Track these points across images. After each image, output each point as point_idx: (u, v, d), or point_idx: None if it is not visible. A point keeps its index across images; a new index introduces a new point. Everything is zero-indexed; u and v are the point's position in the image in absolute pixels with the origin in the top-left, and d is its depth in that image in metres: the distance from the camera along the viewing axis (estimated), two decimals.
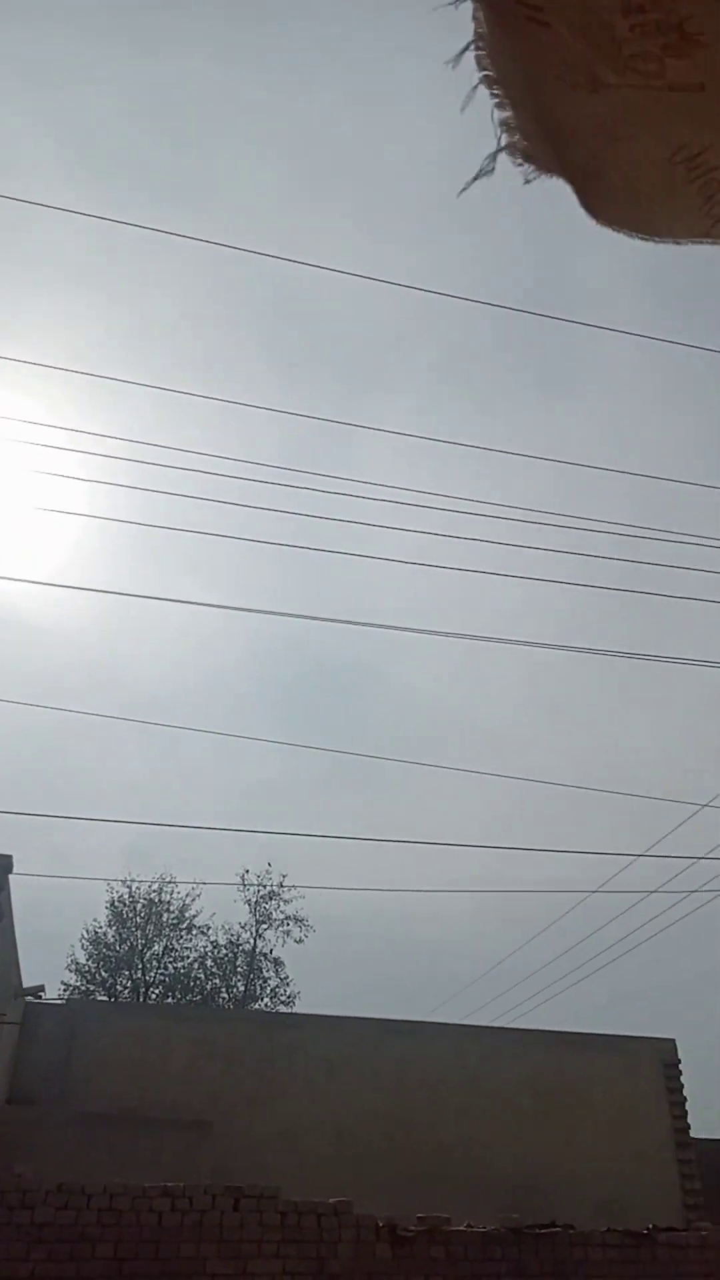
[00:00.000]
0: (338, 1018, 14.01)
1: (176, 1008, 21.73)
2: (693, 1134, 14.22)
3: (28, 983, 11.79)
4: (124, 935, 26.43)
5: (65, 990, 24.41)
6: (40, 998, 12.49)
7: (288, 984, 27.21)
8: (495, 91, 1.53)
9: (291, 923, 27.56)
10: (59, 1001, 15.28)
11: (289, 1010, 24.89)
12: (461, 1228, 7.93)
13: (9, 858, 8.45)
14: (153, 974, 26.34)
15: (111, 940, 26.28)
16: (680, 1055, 14.82)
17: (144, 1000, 25.18)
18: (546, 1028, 15.73)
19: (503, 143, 1.58)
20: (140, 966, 26.25)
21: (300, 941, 27.50)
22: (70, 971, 25.59)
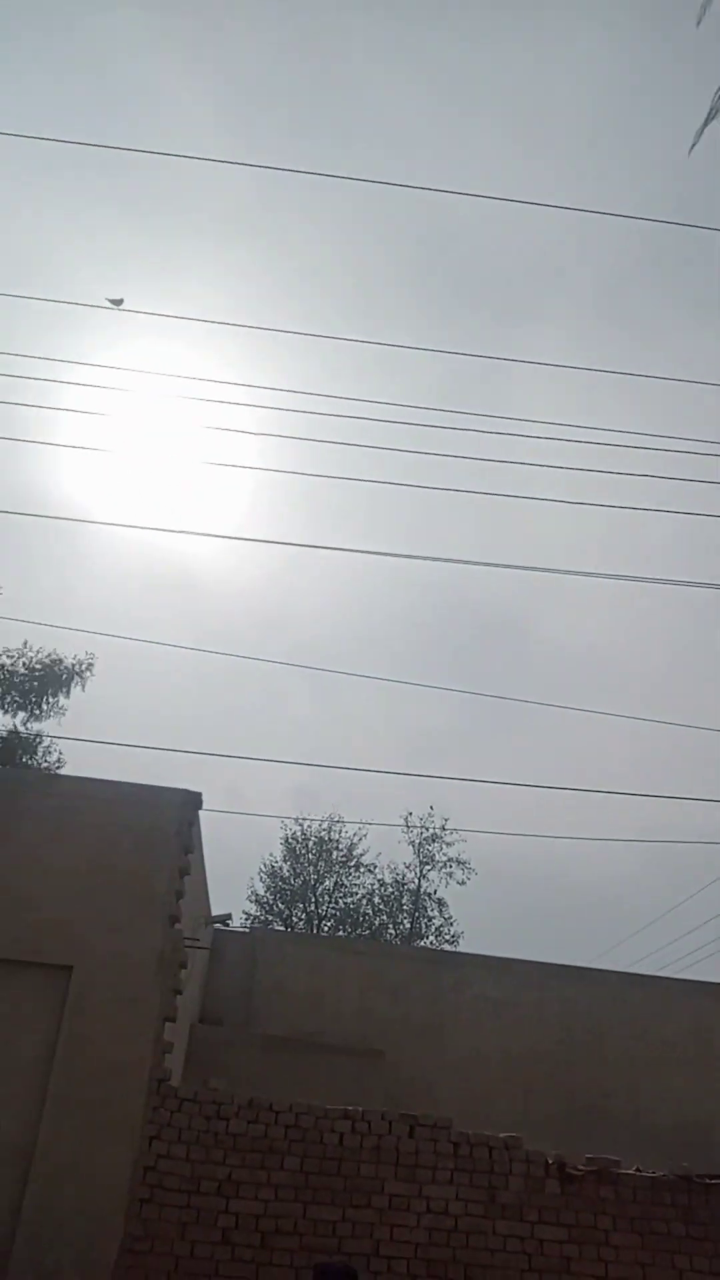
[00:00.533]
0: (504, 959, 14.27)
1: (349, 941, 22.75)
2: None
3: (215, 912, 12.71)
4: (298, 870, 27.84)
5: (247, 919, 26.07)
6: (227, 925, 13.43)
7: (451, 924, 27.91)
8: None
9: (454, 865, 28.13)
10: (243, 930, 16.40)
11: (453, 949, 25.52)
12: (630, 1171, 8.03)
13: (199, 795, 9.06)
14: (325, 908, 27.66)
15: (286, 874, 27.76)
16: None
17: (317, 932, 26.51)
18: (712, 979, 15.40)
19: None
20: (313, 900, 27.61)
21: (463, 883, 28.06)
22: (250, 902, 27.30)
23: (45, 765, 20.77)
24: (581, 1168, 7.93)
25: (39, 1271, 7.01)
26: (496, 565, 20.50)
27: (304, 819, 28.26)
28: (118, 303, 14.26)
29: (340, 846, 28.24)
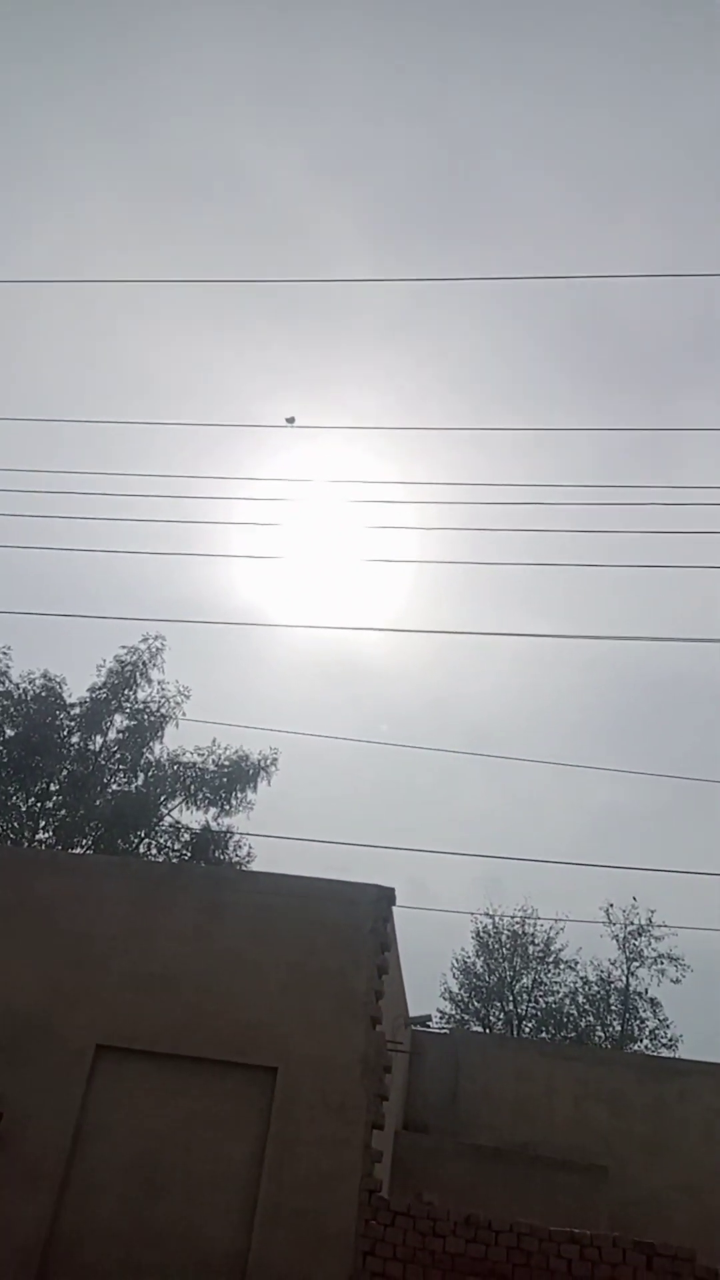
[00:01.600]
0: None
1: (557, 1046, 21.45)
2: None
3: (412, 1012, 12.33)
4: (492, 966, 26.73)
5: (442, 1018, 25.17)
6: (426, 1026, 12.99)
7: (668, 1026, 25.72)
8: None
9: (665, 961, 26.10)
10: (443, 1031, 15.79)
11: (671, 1055, 23.48)
12: None
13: (392, 890, 8.92)
14: (524, 1007, 26.30)
15: (480, 971, 26.71)
16: None
17: (518, 1033, 25.18)
18: None
19: None
20: (511, 999, 26.34)
21: (677, 982, 25.91)
22: (444, 1000, 26.38)
23: (236, 860, 21.25)
24: None
25: None
26: (662, 639, 19.49)
27: (495, 913, 27.28)
28: (291, 421, 15.15)
29: (536, 941, 26.95)
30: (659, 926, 26.03)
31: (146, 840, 21.21)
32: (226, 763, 21.66)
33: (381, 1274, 7.15)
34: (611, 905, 26.54)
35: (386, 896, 8.98)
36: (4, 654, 21.22)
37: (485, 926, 27.19)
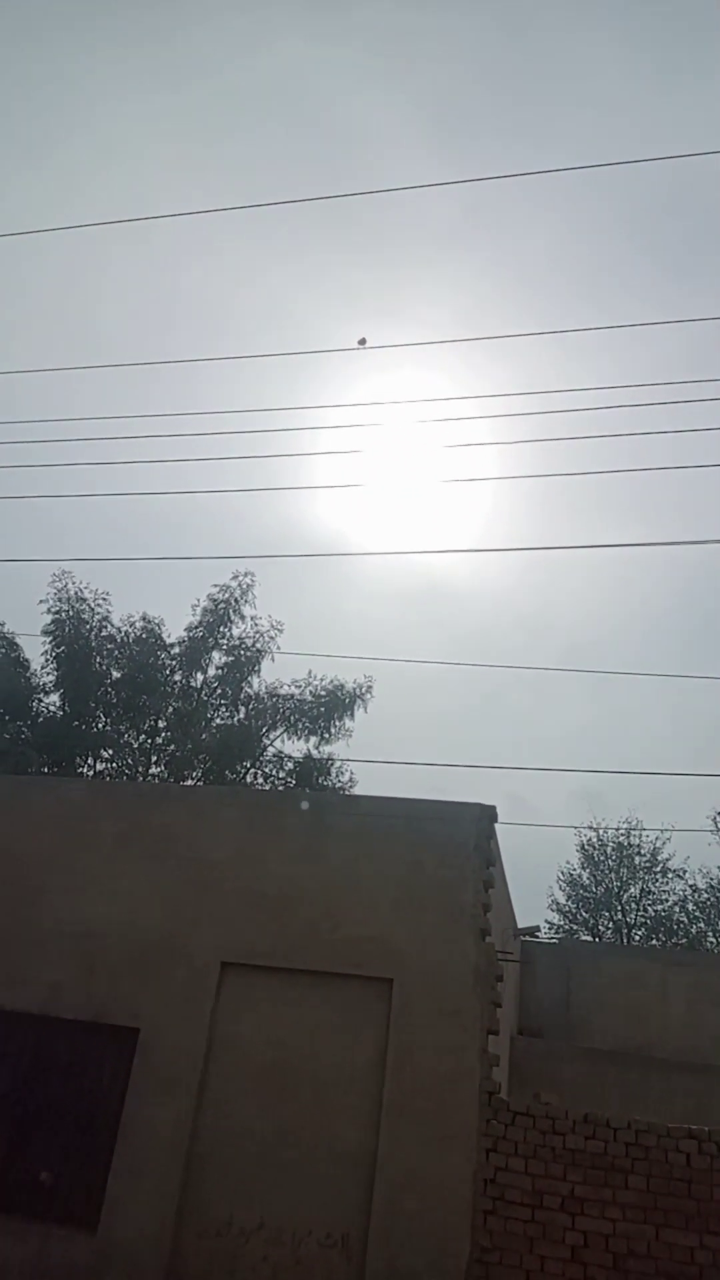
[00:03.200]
0: None
1: (668, 951, 21.59)
2: None
3: (521, 923, 12.58)
4: (598, 878, 26.92)
5: (551, 929, 25.61)
6: (536, 937, 13.24)
7: None
8: None
9: None
10: (552, 941, 16.09)
11: None
12: None
13: (494, 808, 9.05)
14: (633, 916, 26.48)
15: (587, 882, 26.94)
16: None
17: (628, 942, 25.42)
18: None
19: None
20: (619, 908, 26.54)
21: None
22: (553, 911, 26.79)
23: (339, 786, 21.82)
24: None
25: (395, 1270, 7.23)
26: None
27: (599, 825, 27.33)
28: (363, 343, 14.89)
29: (642, 851, 26.93)
30: None
31: (252, 770, 21.94)
32: (323, 693, 22.08)
33: (505, 1169, 7.49)
34: (719, 814, 26.26)
35: (489, 814, 9.11)
36: (104, 599, 21.96)
37: (590, 840, 27.31)
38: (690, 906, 26.26)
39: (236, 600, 22.29)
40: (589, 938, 25.73)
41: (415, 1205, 7.42)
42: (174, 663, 21.91)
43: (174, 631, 22.32)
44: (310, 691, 22.06)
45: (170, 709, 21.66)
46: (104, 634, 21.62)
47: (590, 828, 27.35)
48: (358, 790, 21.53)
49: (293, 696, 22.08)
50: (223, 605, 22.26)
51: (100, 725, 21.16)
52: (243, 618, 22.31)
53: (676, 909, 26.33)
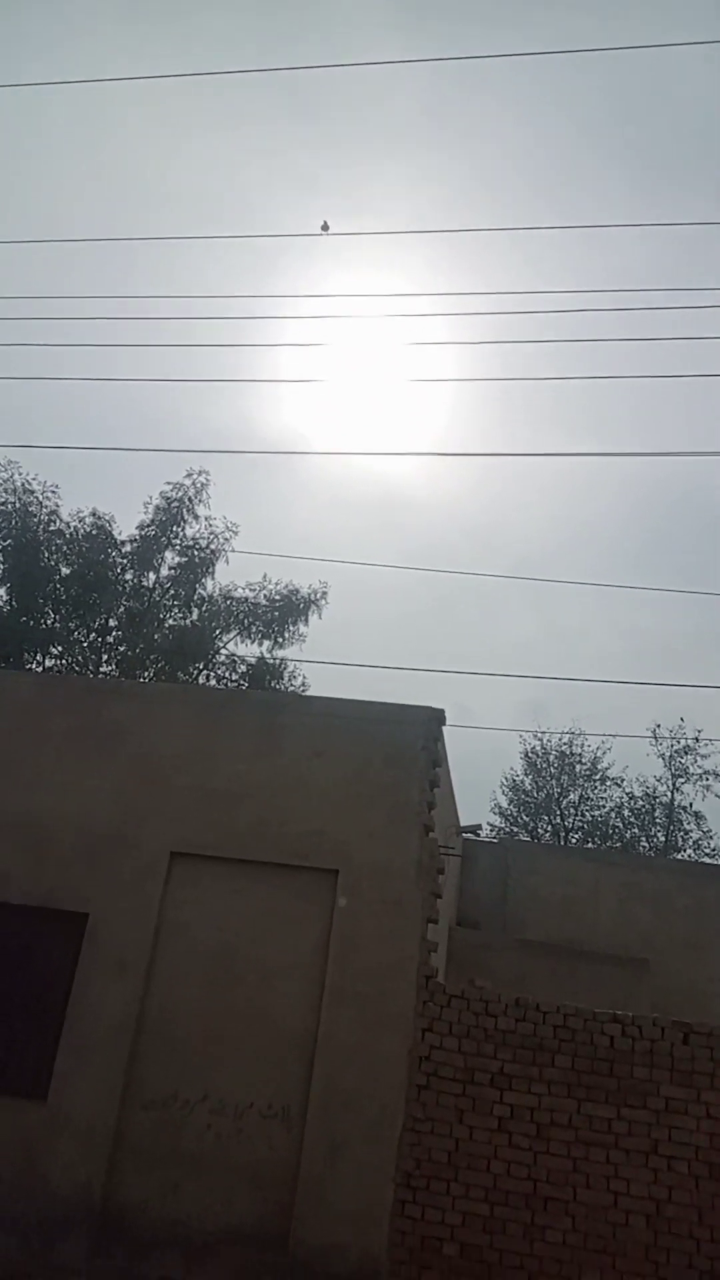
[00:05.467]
0: None
1: (603, 852, 22.54)
2: None
3: (464, 823, 12.97)
4: (540, 784, 27.81)
5: (493, 831, 26.51)
6: (477, 835, 13.68)
7: (711, 837, 26.77)
8: None
9: (711, 777, 26.85)
10: (492, 840, 16.67)
11: (716, 862, 24.55)
12: None
13: (442, 711, 9.21)
14: (571, 820, 27.51)
15: (529, 788, 27.82)
16: None
17: (565, 844, 26.46)
18: None
19: None
20: (559, 813, 27.53)
21: None
22: (495, 814, 27.70)
23: (293, 689, 21.96)
24: None
25: (331, 1140, 7.65)
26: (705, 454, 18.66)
27: (544, 732, 28.08)
28: (325, 228, 14.28)
29: (583, 760, 27.81)
30: (705, 743, 26.64)
31: (205, 672, 21.92)
32: (278, 596, 21.99)
33: (440, 1047, 7.88)
34: (659, 725, 27.13)
35: (437, 717, 9.26)
36: (54, 492, 21.36)
37: (534, 748, 28.07)
38: (626, 813, 27.36)
39: (190, 500, 21.86)
40: (528, 839, 26.72)
41: (353, 1080, 7.80)
42: (125, 561, 21.54)
43: (125, 529, 21.89)
44: (265, 595, 21.96)
45: (121, 608, 21.40)
46: (52, 528, 21.10)
47: (535, 734, 28.12)
48: (311, 694, 21.70)
49: (247, 600, 21.96)
50: (176, 504, 21.81)
51: (49, 622, 20.86)
52: (196, 518, 21.93)
53: (613, 815, 27.42)
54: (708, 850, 26.52)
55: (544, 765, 27.88)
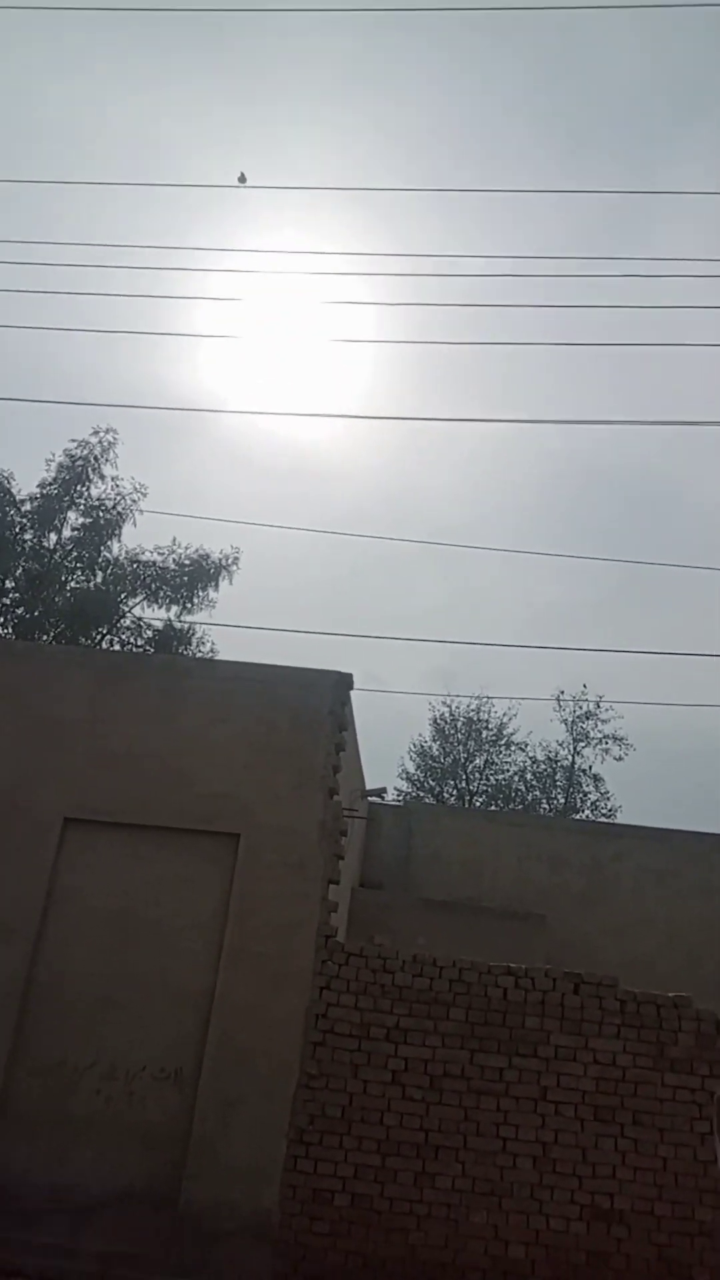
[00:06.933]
0: (666, 830, 14.06)
1: (504, 813, 23.12)
2: None
3: (370, 787, 13.07)
4: (447, 749, 28.29)
5: (399, 795, 26.88)
6: (382, 799, 13.82)
7: (608, 798, 27.77)
8: None
9: (610, 741, 27.77)
10: (397, 803, 16.89)
11: (611, 822, 25.47)
12: None
13: (350, 675, 9.23)
14: (475, 784, 28.11)
15: (436, 753, 28.28)
16: None
17: (469, 806, 27.03)
18: None
19: None
20: (464, 777, 28.09)
21: (620, 759, 27.73)
22: (401, 779, 28.07)
23: (200, 655, 21.65)
24: None
25: (224, 1098, 7.66)
26: (642, 423, 19.15)
27: (452, 697, 28.53)
28: (243, 179, 13.89)
29: (490, 725, 28.38)
30: (606, 708, 27.54)
31: (109, 637, 21.40)
32: (187, 561, 21.58)
33: (337, 1004, 7.95)
34: (562, 692, 27.88)
35: (345, 681, 9.25)
36: None
37: (442, 714, 28.50)
38: (529, 776, 28.13)
39: (96, 459, 21.19)
40: (433, 802, 27.22)
41: (248, 1040, 7.81)
42: (24, 520, 20.77)
43: (25, 487, 21.07)
44: (174, 559, 21.51)
45: (19, 569, 20.65)
46: None
47: (443, 700, 28.54)
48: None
49: (155, 564, 21.47)
50: (80, 463, 21.10)
51: None
52: (103, 478, 21.28)
53: (516, 778, 28.15)
54: (604, 811, 27.55)
55: (451, 731, 28.37)
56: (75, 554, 21.19)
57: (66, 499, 21.06)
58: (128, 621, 21.60)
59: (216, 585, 21.71)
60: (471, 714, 28.34)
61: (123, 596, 21.49)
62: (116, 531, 21.32)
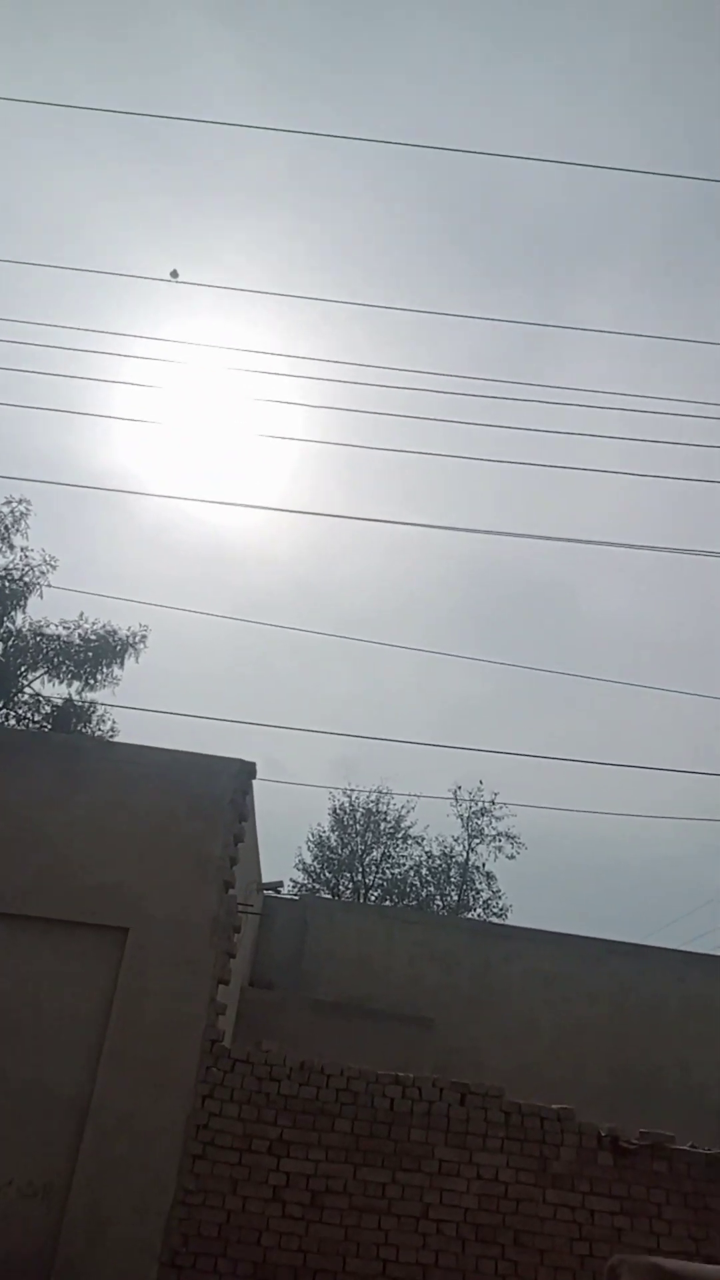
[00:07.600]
0: (556, 933, 14.21)
1: (398, 910, 22.89)
2: None
3: (266, 879, 12.84)
4: (345, 840, 28.05)
5: (295, 887, 26.37)
6: (278, 892, 13.58)
7: (500, 897, 27.90)
8: None
9: (503, 839, 28.08)
10: (293, 897, 16.57)
11: (502, 922, 25.53)
12: (685, 1147, 7.95)
13: (253, 764, 9.13)
14: (372, 878, 27.85)
15: (334, 844, 27.99)
16: None
17: (364, 901, 26.71)
18: None
19: None
20: (360, 870, 27.81)
21: (512, 858, 28.01)
22: (298, 870, 27.59)
23: (100, 734, 21.10)
24: (635, 1141, 7.87)
25: (95, 1217, 7.20)
26: (542, 538, 20.13)
27: (352, 790, 28.46)
28: (175, 275, 14.36)
29: (388, 818, 28.35)
30: (501, 806, 27.95)
31: (5, 711, 20.70)
32: (93, 636, 21.24)
33: (220, 1114, 7.65)
34: (459, 787, 28.20)
35: (247, 770, 9.18)
36: None
37: (342, 804, 28.36)
38: (424, 871, 28.07)
39: (7, 528, 20.86)
40: (329, 896, 26.79)
41: (125, 1150, 7.41)
42: None
43: None
44: (79, 634, 21.13)
45: None
46: None
47: (344, 791, 28.43)
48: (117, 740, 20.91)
49: (59, 637, 21.03)
50: None
51: None
52: (11, 547, 20.92)
53: (411, 873, 28.05)
54: (496, 910, 27.63)
55: (350, 823, 28.20)
56: None
57: None
58: (26, 696, 20.97)
59: (122, 663, 21.37)
60: (371, 805, 28.31)
61: (23, 669, 20.91)
62: (22, 602, 20.89)
